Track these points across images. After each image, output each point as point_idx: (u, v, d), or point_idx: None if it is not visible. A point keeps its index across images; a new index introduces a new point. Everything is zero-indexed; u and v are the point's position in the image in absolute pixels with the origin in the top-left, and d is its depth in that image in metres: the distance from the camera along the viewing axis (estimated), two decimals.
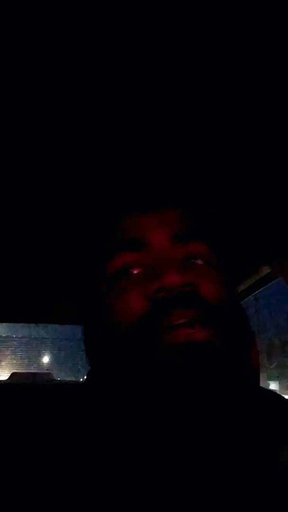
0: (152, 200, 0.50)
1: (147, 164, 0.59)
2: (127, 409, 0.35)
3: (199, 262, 0.44)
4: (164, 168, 0.60)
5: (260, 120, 0.53)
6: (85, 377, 0.47)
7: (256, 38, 0.42)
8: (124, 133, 0.55)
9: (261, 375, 0.44)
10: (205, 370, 0.33)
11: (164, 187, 0.55)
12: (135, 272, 0.43)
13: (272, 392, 0.42)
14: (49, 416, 0.42)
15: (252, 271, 0.96)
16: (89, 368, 0.48)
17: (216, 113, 0.52)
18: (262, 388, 0.43)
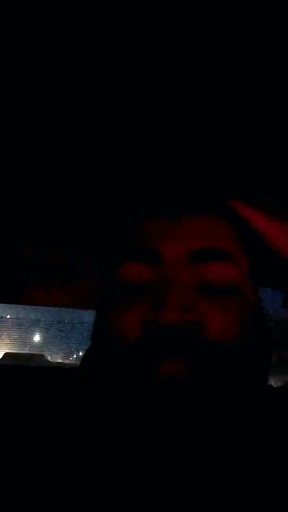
0: (173, 204, 0.42)
1: (171, 166, 0.55)
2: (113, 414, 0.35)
3: (218, 288, 0.38)
4: (190, 170, 0.55)
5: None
6: (81, 359, 0.47)
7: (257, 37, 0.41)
8: (149, 135, 0.52)
9: None
10: (175, 409, 0.32)
11: (190, 191, 0.48)
12: (142, 286, 0.38)
13: None
14: (45, 400, 0.42)
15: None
16: (85, 350, 0.48)
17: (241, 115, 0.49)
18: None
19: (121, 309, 0.37)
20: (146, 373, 0.33)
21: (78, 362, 0.50)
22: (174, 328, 0.33)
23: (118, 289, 0.39)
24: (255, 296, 0.43)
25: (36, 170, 0.66)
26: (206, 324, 0.35)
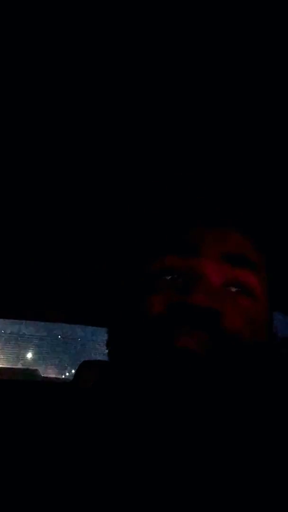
0: (217, 216, 0.46)
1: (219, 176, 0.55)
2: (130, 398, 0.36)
3: (240, 292, 0.41)
4: (238, 183, 0.55)
5: None
6: (75, 372, 0.48)
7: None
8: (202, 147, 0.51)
9: None
10: (188, 379, 0.34)
11: (236, 205, 0.51)
12: (174, 276, 0.41)
13: None
14: (45, 415, 0.43)
15: None
16: (78, 365, 0.49)
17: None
18: None
19: (149, 294, 0.39)
20: (166, 342, 0.34)
21: (71, 378, 0.51)
22: (199, 307, 0.36)
23: (149, 279, 0.41)
24: (270, 311, 0.46)
25: (50, 186, 0.64)
26: (226, 318, 0.37)
